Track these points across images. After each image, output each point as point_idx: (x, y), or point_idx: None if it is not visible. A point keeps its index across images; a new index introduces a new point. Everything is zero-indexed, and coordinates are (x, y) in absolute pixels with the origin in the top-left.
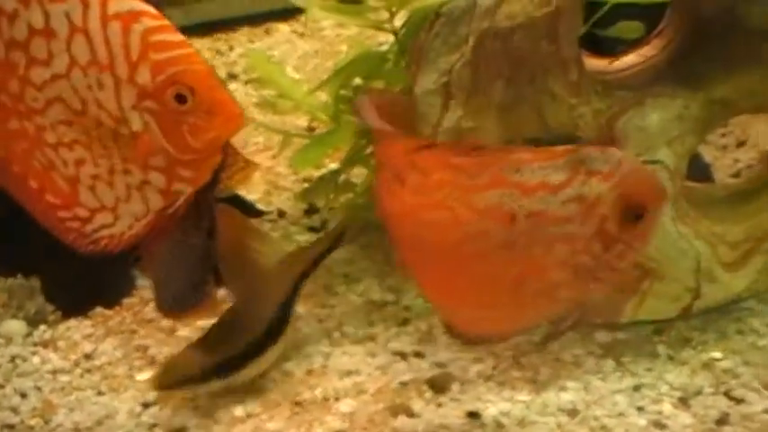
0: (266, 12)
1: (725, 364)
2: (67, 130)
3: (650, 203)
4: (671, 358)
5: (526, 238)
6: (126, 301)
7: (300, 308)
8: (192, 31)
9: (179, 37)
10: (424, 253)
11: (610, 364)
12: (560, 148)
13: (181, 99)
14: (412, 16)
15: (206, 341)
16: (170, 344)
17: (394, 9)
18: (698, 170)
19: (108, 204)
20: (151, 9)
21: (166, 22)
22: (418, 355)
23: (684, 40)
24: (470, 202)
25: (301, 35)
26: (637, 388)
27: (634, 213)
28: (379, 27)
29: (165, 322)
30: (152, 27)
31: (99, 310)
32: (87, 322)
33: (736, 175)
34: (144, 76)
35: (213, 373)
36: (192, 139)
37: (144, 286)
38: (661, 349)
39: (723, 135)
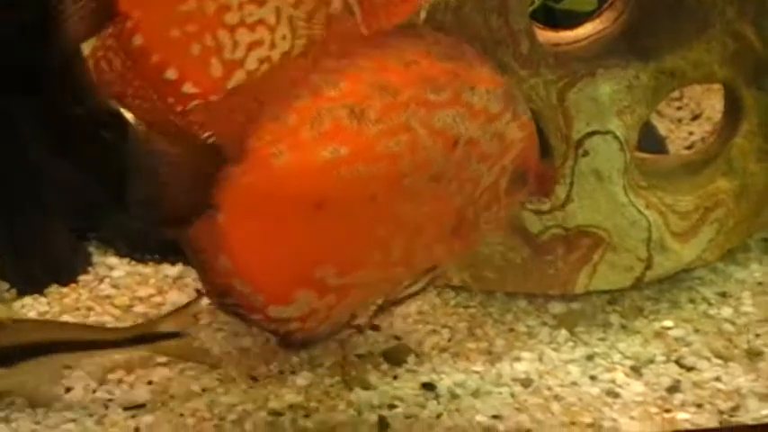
0: None
1: (676, 332)
2: (256, 9)
3: (535, 177)
4: (624, 327)
5: (455, 170)
6: (82, 278)
7: None
8: None
9: None
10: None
11: (563, 334)
12: (501, 78)
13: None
14: None
15: None
16: (126, 320)
17: None
18: (653, 143)
19: None
20: None
21: None
22: (374, 327)
23: (635, 11)
24: (430, 123)
25: None
26: (590, 357)
27: (521, 179)
28: None
29: (121, 299)
30: None
31: (54, 287)
32: (43, 300)
33: (690, 147)
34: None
35: None
36: (385, 21)
37: (99, 263)
38: (614, 319)
39: (678, 108)
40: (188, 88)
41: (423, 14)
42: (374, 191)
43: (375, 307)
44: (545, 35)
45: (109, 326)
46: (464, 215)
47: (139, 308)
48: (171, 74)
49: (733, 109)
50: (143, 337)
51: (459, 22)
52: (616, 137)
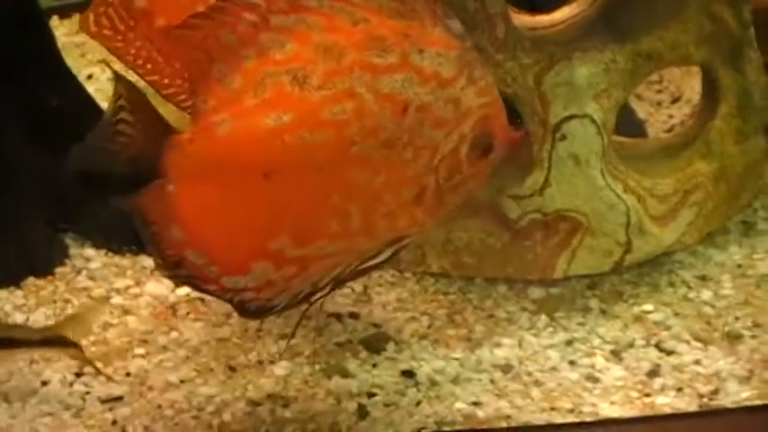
0: None
1: (656, 316)
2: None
3: (501, 142)
4: (603, 312)
5: (408, 136)
6: (58, 270)
7: None
8: None
9: None
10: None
11: (543, 319)
12: (455, 41)
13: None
14: None
15: None
16: (104, 312)
17: None
18: (632, 127)
19: None
20: None
21: None
22: (353, 316)
23: None
24: (377, 87)
25: None
26: (569, 342)
27: (483, 146)
28: None
29: (98, 291)
30: None
31: (31, 279)
32: (19, 293)
33: (670, 130)
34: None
35: None
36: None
37: (76, 255)
38: (593, 303)
39: (658, 92)
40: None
41: None
42: (322, 159)
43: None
44: (521, 19)
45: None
46: (424, 183)
47: (117, 299)
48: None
49: (711, 91)
50: (51, 339)
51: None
52: (593, 120)
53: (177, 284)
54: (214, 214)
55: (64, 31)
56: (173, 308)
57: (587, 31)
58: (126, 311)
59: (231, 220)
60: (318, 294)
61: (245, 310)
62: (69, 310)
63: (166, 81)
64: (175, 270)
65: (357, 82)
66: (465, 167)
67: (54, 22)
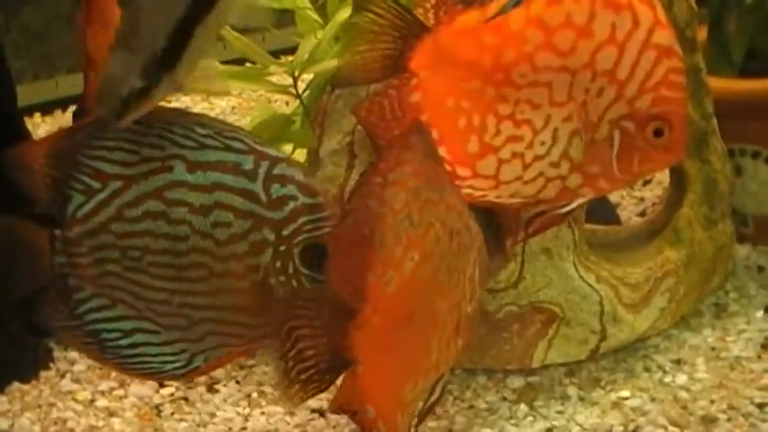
0: None
1: (633, 402)
2: (528, 110)
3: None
4: (582, 399)
5: (455, 261)
6: (43, 374)
7: (218, 371)
8: None
9: (684, 81)
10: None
11: (522, 408)
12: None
13: (657, 133)
14: (314, 79)
15: None
16: (89, 415)
17: (296, 73)
18: (604, 212)
19: (514, 176)
20: (680, 52)
21: (682, 65)
22: (336, 411)
23: None
24: (439, 216)
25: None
26: (549, 431)
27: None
28: (282, 91)
29: (83, 394)
30: (675, 67)
31: (16, 385)
32: (3, 398)
33: (642, 213)
34: (643, 103)
35: None
36: (638, 165)
37: (60, 358)
38: (572, 391)
39: None
40: (442, 152)
41: None
42: (431, 290)
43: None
44: None
45: (70, 423)
46: (461, 309)
47: (102, 401)
48: (432, 134)
49: (678, 180)
50: None
51: None
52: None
53: None
54: (388, 376)
55: (46, 129)
56: (157, 408)
57: None
58: (111, 413)
59: (387, 373)
60: None
61: None
62: (54, 414)
63: None
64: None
65: (430, 214)
66: (478, 291)
67: (36, 119)
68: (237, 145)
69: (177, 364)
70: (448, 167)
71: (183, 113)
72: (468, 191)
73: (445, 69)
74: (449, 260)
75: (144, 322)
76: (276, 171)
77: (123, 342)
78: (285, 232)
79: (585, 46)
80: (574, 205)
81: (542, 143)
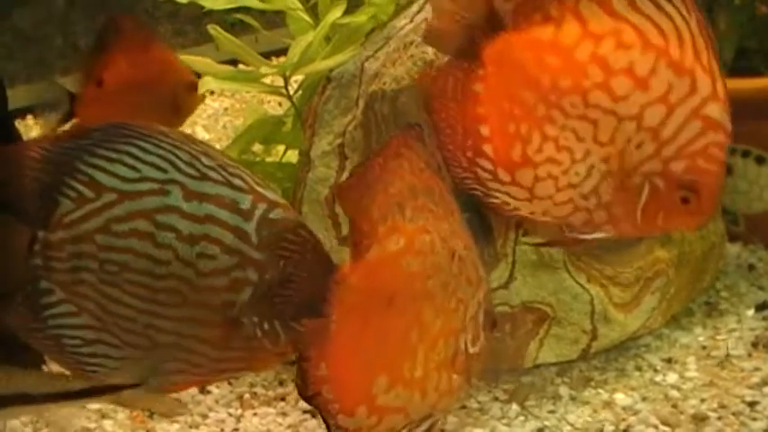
0: None
1: (624, 401)
2: (572, 139)
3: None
4: (573, 399)
5: (454, 283)
6: None
7: None
8: None
9: (724, 157)
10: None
11: (514, 408)
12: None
13: (685, 200)
14: (305, 80)
15: None
16: (81, 417)
17: (287, 74)
18: None
19: (546, 194)
20: (728, 128)
21: (727, 141)
22: None
23: None
24: (438, 228)
25: (210, 93)
26: (540, 430)
27: (492, 321)
28: (275, 92)
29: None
30: (718, 142)
31: None
32: None
33: None
34: (677, 167)
35: None
36: (662, 221)
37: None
38: (563, 390)
39: None
40: (486, 147)
41: (361, 104)
42: (416, 288)
43: None
44: None
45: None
46: (459, 343)
47: (94, 403)
48: (483, 129)
49: None
50: (97, 389)
51: (395, 110)
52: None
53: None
54: (350, 351)
55: (38, 132)
56: (149, 410)
57: None
58: (103, 415)
59: (357, 357)
60: None
61: None
62: (46, 416)
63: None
64: (311, 401)
65: (427, 221)
66: (482, 337)
67: (29, 121)
68: (238, 182)
69: (131, 382)
70: (490, 167)
71: (192, 140)
72: (505, 198)
73: (510, 72)
74: (446, 277)
75: (106, 335)
76: (272, 215)
77: (84, 350)
78: (269, 275)
79: (639, 98)
80: (594, 236)
81: (577, 174)
